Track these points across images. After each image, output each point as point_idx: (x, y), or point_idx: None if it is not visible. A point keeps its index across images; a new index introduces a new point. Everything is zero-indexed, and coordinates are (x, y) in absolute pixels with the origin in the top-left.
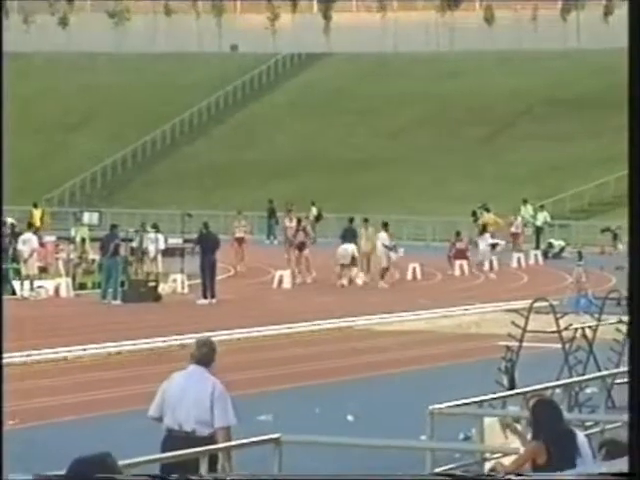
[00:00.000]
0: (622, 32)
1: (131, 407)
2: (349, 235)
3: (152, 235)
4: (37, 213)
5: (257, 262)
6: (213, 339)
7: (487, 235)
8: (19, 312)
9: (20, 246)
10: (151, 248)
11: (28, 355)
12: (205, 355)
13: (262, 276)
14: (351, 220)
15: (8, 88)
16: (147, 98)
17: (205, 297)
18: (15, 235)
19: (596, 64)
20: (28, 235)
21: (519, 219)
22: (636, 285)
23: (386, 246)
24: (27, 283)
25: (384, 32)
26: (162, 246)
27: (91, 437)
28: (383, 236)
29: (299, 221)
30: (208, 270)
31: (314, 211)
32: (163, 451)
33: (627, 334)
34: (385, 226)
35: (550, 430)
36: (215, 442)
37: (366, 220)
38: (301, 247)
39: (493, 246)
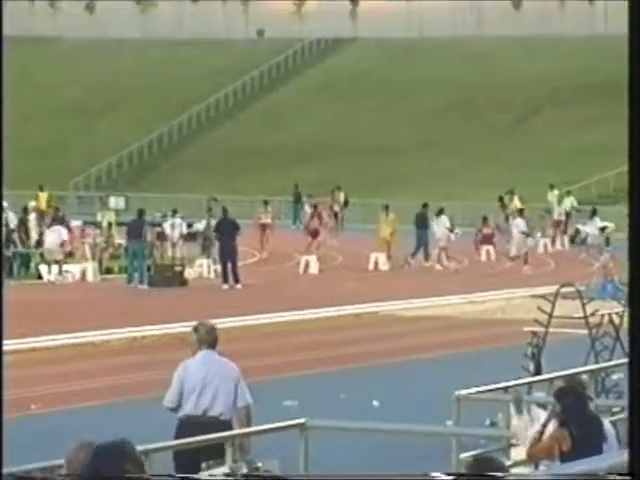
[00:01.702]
0: None
1: (156, 392)
2: (421, 221)
3: (178, 220)
4: (43, 196)
5: (283, 247)
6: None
7: (520, 221)
8: (46, 296)
9: (49, 237)
10: (175, 233)
11: (53, 339)
12: (215, 339)
13: (288, 261)
14: (424, 205)
15: (8, 78)
16: (173, 83)
17: (226, 282)
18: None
19: (622, 49)
20: (57, 227)
21: (562, 207)
22: (636, 280)
23: (450, 229)
24: (55, 267)
25: (410, 17)
26: (182, 230)
27: (114, 422)
28: (444, 219)
29: (315, 207)
30: (228, 256)
31: (342, 197)
32: (182, 437)
33: (629, 331)
34: (441, 212)
35: (574, 416)
36: (232, 424)
37: (387, 207)
38: (315, 234)
39: (602, 229)
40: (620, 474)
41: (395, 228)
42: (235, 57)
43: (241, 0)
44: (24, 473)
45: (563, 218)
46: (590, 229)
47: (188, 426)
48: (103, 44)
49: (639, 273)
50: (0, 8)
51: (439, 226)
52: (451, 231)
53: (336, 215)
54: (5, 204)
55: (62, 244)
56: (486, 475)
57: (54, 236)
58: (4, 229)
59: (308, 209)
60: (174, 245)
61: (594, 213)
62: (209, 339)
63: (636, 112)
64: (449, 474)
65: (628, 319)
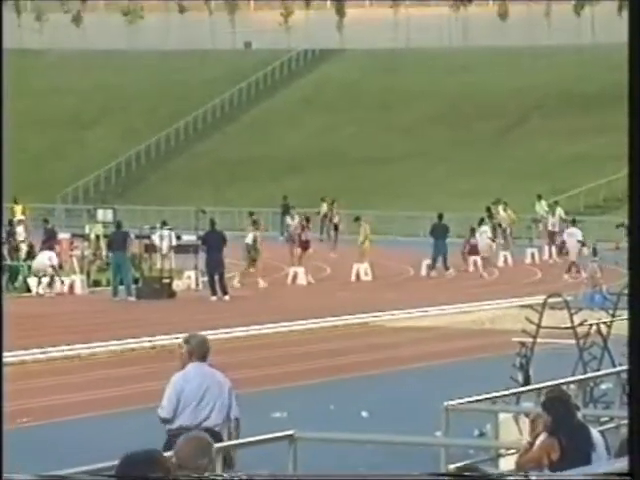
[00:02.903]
0: None
1: (145, 404)
2: (439, 231)
3: (165, 232)
4: (19, 209)
5: (270, 259)
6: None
7: (486, 228)
8: (34, 309)
9: (38, 259)
10: (164, 245)
11: (43, 352)
12: (207, 351)
13: (276, 273)
14: (440, 216)
15: (8, 87)
16: (161, 95)
17: (214, 294)
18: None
19: (609, 59)
20: (47, 253)
21: (556, 217)
22: (636, 283)
23: (492, 238)
24: (44, 280)
25: (397, 28)
26: (173, 243)
27: (102, 435)
28: (486, 229)
29: (307, 219)
30: (215, 268)
31: (324, 207)
32: (171, 449)
33: (629, 335)
34: (482, 221)
35: (563, 426)
36: (226, 435)
37: (357, 218)
38: (305, 245)
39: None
40: (620, 474)
41: (370, 239)
42: (223, 69)
43: (228, 12)
44: None
45: (557, 229)
46: (481, 240)
47: (178, 437)
48: (90, 56)
49: (639, 274)
50: (0, 15)
51: (481, 236)
52: (493, 240)
53: (336, 227)
54: None
55: (51, 266)
56: (485, 475)
57: (44, 258)
58: None
59: (290, 221)
60: (163, 257)
61: (482, 222)
62: (200, 351)
63: (636, 119)
64: (445, 473)
65: (628, 320)
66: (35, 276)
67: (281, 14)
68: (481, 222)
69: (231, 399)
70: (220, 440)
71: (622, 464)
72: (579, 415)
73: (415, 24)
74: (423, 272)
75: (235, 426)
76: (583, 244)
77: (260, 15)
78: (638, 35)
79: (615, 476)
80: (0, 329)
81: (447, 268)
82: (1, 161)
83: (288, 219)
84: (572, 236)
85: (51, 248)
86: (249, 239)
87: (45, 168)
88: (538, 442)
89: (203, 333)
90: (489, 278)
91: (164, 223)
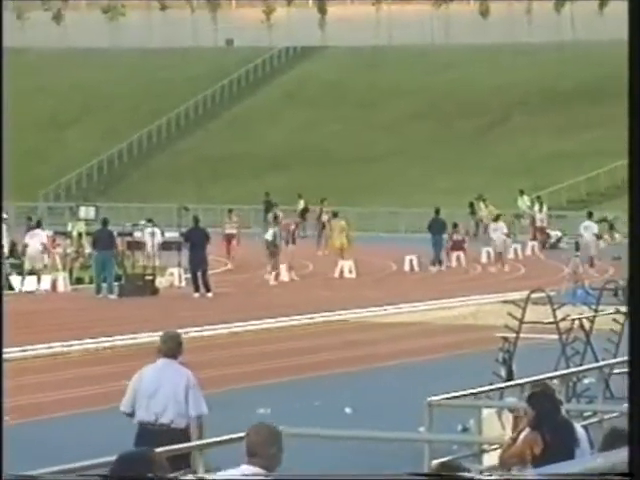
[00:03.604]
0: (617, 24)
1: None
2: (436, 226)
3: (149, 229)
4: None
5: (253, 255)
6: (180, 332)
7: (502, 224)
8: (17, 307)
9: (28, 239)
10: (148, 242)
11: (23, 350)
12: (171, 349)
13: (259, 270)
14: (437, 211)
15: (9, 84)
16: (142, 93)
17: (197, 291)
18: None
19: (590, 56)
20: (36, 230)
21: (543, 212)
22: (636, 276)
23: (507, 234)
24: (30, 278)
25: (379, 25)
26: (159, 239)
27: (83, 433)
28: (501, 225)
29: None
30: (198, 265)
31: (301, 204)
32: (137, 446)
33: (629, 331)
34: (497, 217)
35: (546, 420)
36: (189, 432)
37: (335, 214)
38: (287, 242)
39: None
40: (620, 474)
41: (349, 237)
42: (204, 66)
43: (210, 9)
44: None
45: (545, 224)
46: (495, 235)
47: (144, 433)
48: (71, 54)
49: (639, 273)
50: (0, 15)
51: (496, 232)
52: (508, 236)
53: (324, 225)
54: None
55: (44, 248)
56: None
57: (35, 241)
58: None
59: (273, 218)
60: (149, 255)
61: (497, 218)
62: (165, 348)
63: (636, 114)
64: (427, 475)
65: (628, 319)
66: (20, 271)
67: (263, 11)
68: (497, 218)
69: (188, 396)
70: (185, 436)
71: (613, 460)
72: (563, 410)
73: (397, 21)
74: (406, 268)
75: (197, 424)
76: (599, 237)
77: (242, 12)
78: (638, 35)
79: (615, 476)
80: (0, 329)
81: (434, 264)
82: (1, 160)
83: (269, 216)
84: (588, 229)
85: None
86: (269, 235)
87: (26, 168)
88: (522, 437)
89: (185, 330)
90: (506, 273)
91: (149, 220)
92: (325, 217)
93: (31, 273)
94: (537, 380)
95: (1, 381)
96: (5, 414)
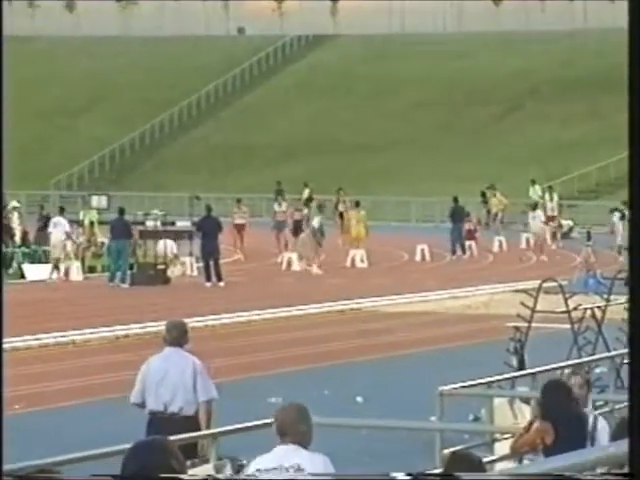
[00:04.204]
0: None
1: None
2: (458, 214)
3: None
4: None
5: (265, 244)
6: (184, 321)
7: (540, 212)
8: (29, 296)
9: (51, 228)
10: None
11: (37, 339)
12: (176, 338)
13: (271, 258)
14: (456, 199)
15: (8, 76)
16: (154, 82)
17: (209, 280)
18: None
19: (602, 44)
20: (58, 218)
21: (554, 202)
22: (636, 276)
23: (545, 222)
24: (42, 266)
25: (391, 14)
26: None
27: (96, 421)
28: (539, 214)
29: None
30: (210, 254)
31: (306, 193)
32: (149, 434)
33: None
34: (535, 206)
35: (558, 411)
36: (198, 419)
37: (357, 204)
38: (296, 231)
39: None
40: (620, 474)
41: (366, 226)
42: (216, 55)
43: None
44: (24, 472)
45: (556, 213)
46: (533, 222)
47: (155, 422)
48: (83, 43)
49: (639, 270)
50: (0, 13)
51: (535, 220)
52: (546, 224)
53: (341, 215)
54: None
55: (67, 236)
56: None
57: (58, 230)
58: None
59: (277, 208)
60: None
61: (535, 207)
62: (170, 337)
63: (636, 107)
64: (409, 474)
65: (628, 316)
66: (53, 260)
67: (275, 0)
68: (535, 207)
69: (196, 383)
70: (194, 424)
71: (618, 449)
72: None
73: (409, 10)
74: (417, 257)
75: (206, 409)
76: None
77: (253, 1)
78: (638, 34)
79: (615, 476)
80: (0, 319)
81: (454, 252)
82: (1, 151)
83: (275, 205)
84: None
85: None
86: (316, 223)
87: (37, 156)
88: (533, 426)
89: (197, 319)
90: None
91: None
92: (342, 207)
93: (48, 262)
94: (548, 370)
95: (1, 373)
96: (15, 403)
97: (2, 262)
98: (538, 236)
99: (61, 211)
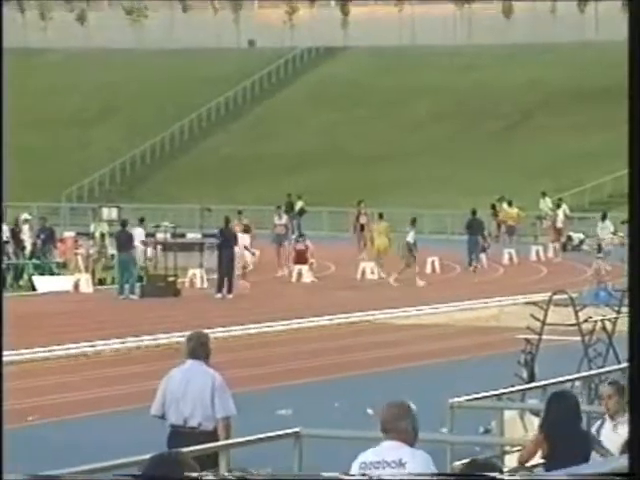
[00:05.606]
0: None
1: (149, 403)
2: (475, 226)
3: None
4: None
5: (269, 256)
6: (206, 332)
7: (608, 223)
8: (40, 308)
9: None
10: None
11: (50, 351)
12: (194, 349)
13: (273, 271)
14: (474, 212)
15: (7, 86)
16: (165, 94)
17: (219, 292)
18: (44, 232)
19: (614, 55)
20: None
21: (561, 214)
22: (636, 280)
23: (614, 233)
24: (53, 278)
25: (402, 25)
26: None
27: (108, 434)
28: (608, 224)
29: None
30: (227, 265)
31: (299, 204)
32: (170, 447)
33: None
34: (605, 216)
35: (554, 423)
36: (218, 434)
37: (381, 216)
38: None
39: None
40: (620, 474)
41: (389, 238)
42: (227, 67)
43: (232, 10)
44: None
45: (563, 226)
46: (602, 234)
47: (174, 435)
48: (94, 55)
49: (639, 273)
50: (0, 13)
51: (603, 230)
52: (614, 234)
53: (362, 227)
54: None
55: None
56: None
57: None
58: None
59: (277, 220)
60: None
61: (605, 217)
62: (190, 349)
63: (636, 116)
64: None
65: (628, 319)
66: (39, 271)
67: (285, 12)
68: (604, 217)
69: (214, 399)
70: (214, 438)
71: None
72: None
73: (420, 21)
74: (428, 269)
75: (224, 426)
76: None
77: (264, 13)
78: (638, 35)
79: (615, 476)
80: (0, 331)
81: (470, 264)
82: (1, 162)
83: (275, 218)
84: None
85: (54, 248)
86: (411, 237)
87: (48, 168)
88: (532, 438)
89: (207, 331)
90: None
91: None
92: (364, 219)
93: (58, 273)
94: (559, 382)
95: (1, 383)
96: (28, 414)
97: (1, 274)
98: (607, 246)
99: (50, 231)
